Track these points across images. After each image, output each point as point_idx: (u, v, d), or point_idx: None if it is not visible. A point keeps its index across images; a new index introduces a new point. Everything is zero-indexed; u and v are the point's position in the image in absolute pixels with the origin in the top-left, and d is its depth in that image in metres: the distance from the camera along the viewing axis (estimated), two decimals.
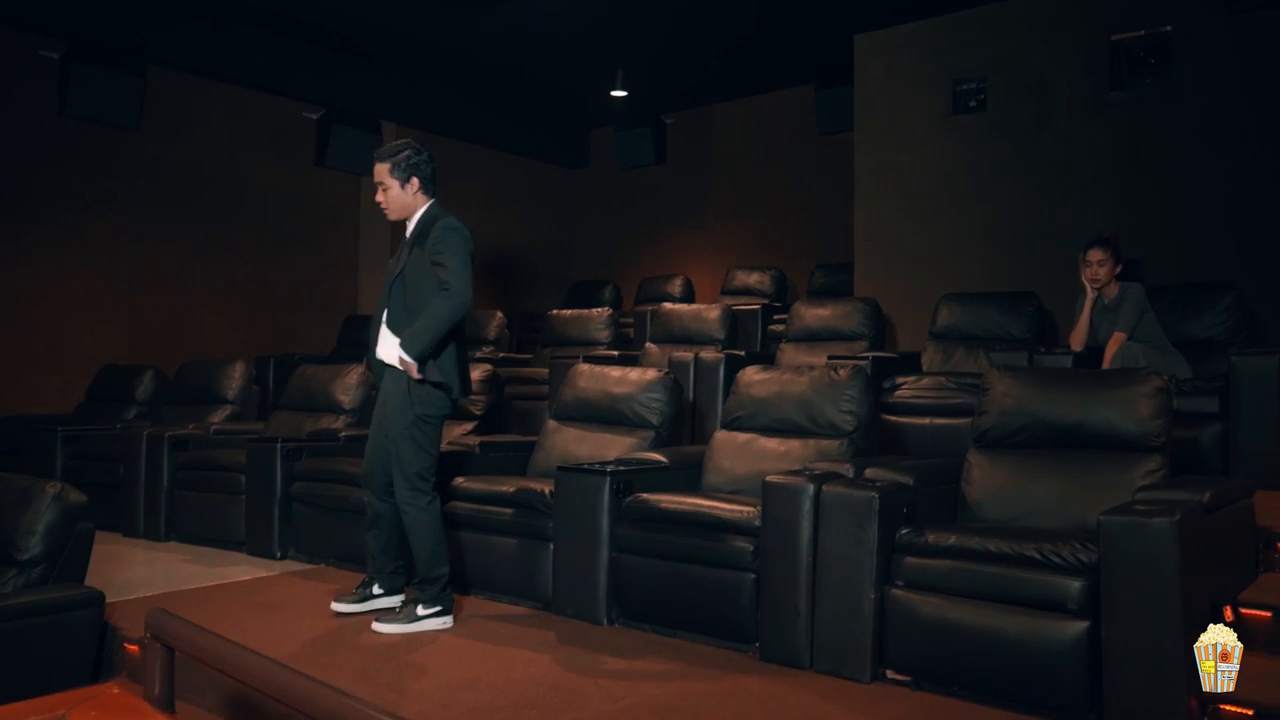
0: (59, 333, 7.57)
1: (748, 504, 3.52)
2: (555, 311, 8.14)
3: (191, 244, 8.36)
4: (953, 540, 3.04)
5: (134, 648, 3.77)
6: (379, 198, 3.97)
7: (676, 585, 3.65)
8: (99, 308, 7.79)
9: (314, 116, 8.92)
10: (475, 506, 4.36)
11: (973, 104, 6.77)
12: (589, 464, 4.07)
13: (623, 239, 11.00)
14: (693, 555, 3.61)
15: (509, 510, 4.24)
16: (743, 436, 4.23)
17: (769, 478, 3.39)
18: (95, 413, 7.13)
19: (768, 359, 6.49)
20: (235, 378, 6.78)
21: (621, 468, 3.97)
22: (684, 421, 4.83)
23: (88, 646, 3.73)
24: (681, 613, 3.63)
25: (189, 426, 6.05)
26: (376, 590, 4.01)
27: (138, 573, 4.82)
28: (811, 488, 3.25)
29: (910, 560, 3.11)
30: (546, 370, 6.70)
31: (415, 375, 3.77)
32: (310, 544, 5.09)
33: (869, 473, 3.41)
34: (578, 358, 7.13)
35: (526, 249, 10.89)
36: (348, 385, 6.04)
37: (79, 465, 6.25)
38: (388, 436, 3.86)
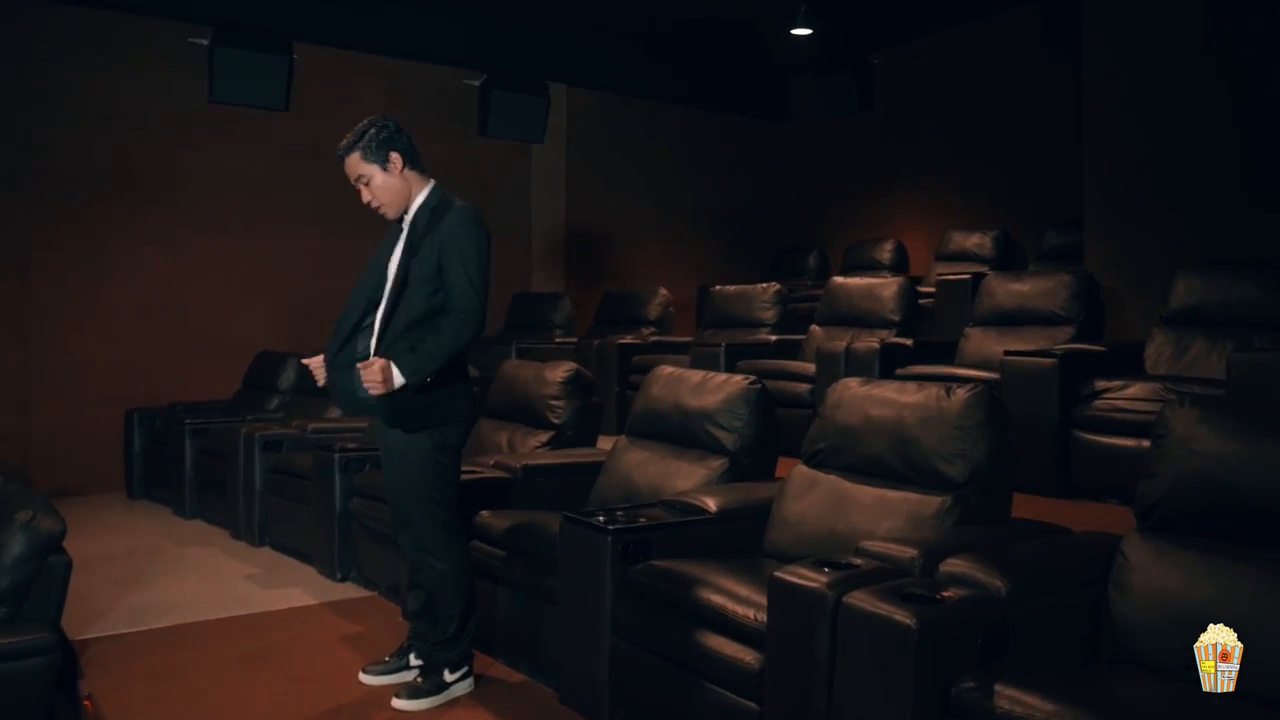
0: (218, 317, 7.54)
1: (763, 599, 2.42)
2: (717, 287, 7.11)
3: (350, 224, 8.05)
4: (1051, 710, 1.81)
5: (88, 703, 3.29)
6: (365, 198, 3.17)
7: (684, 700, 2.62)
8: (256, 291, 7.70)
9: (475, 83, 8.37)
10: (491, 549, 3.53)
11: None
12: (602, 510, 3.10)
13: (829, 199, 9.71)
14: (695, 662, 2.57)
15: (515, 556, 3.37)
16: (824, 478, 3.08)
17: (778, 573, 2.28)
18: (246, 401, 7.01)
19: (946, 350, 5.16)
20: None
21: (636, 521, 2.97)
22: (776, 443, 3.71)
23: (34, 701, 3.29)
24: None
25: (294, 424, 5.67)
26: (414, 660, 3.31)
27: (181, 591, 4.42)
28: (829, 596, 2.11)
29: None
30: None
31: (391, 386, 2.95)
32: (368, 568, 4.49)
33: (948, 566, 2.20)
34: (734, 342, 6.16)
35: (724, 214, 9.89)
36: None
37: (204, 460, 6.08)
38: (402, 476, 3.12)
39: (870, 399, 3.05)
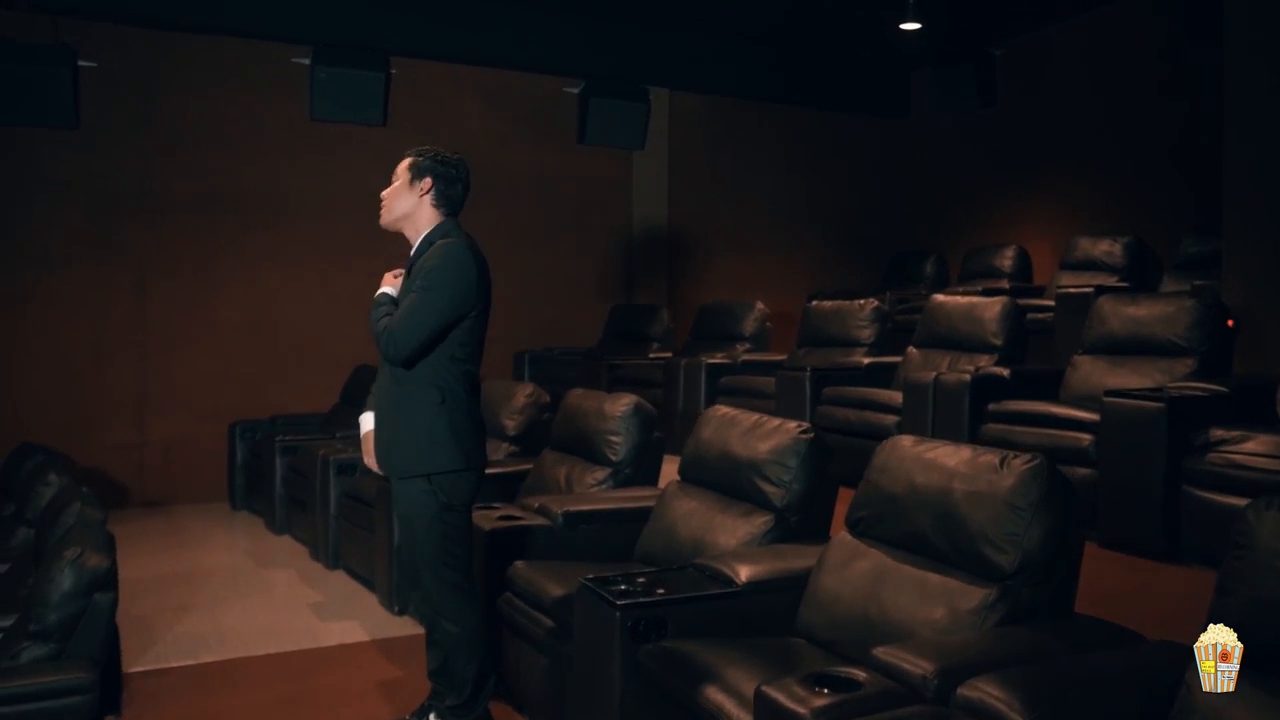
0: (322, 332, 7.66)
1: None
2: (814, 303, 6.75)
3: None
4: None
5: None
6: (383, 193, 3.13)
7: None
8: (357, 305, 7.72)
9: (573, 91, 8.23)
10: (520, 604, 3.35)
11: None
12: (623, 577, 2.86)
13: (948, 202, 9.15)
14: None
15: (545, 619, 3.18)
16: (866, 550, 2.75)
17: (765, 688, 1.99)
18: (341, 417, 7.09)
19: (1049, 382, 4.69)
20: None
21: (653, 593, 2.72)
22: (830, 499, 3.39)
23: None
24: None
25: None
26: None
27: (240, 620, 4.43)
28: None
29: None
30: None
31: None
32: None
33: (967, 690, 1.87)
34: (823, 365, 5.82)
35: (835, 219, 9.46)
36: (514, 407, 5.26)
37: (292, 477, 6.15)
38: (409, 536, 3.01)
39: (919, 463, 2.70)
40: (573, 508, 3.74)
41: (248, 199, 7.42)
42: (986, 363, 4.99)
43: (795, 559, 2.96)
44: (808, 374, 5.50)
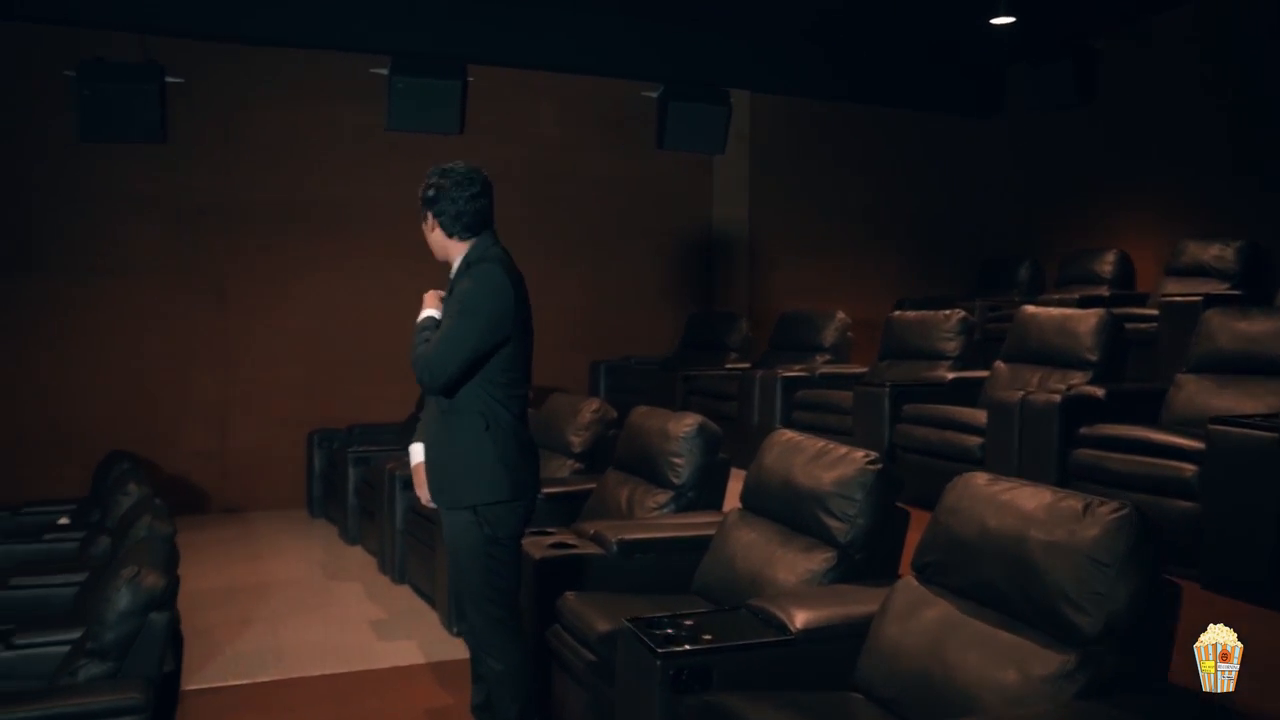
0: (397, 340, 7.61)
1: None
2: (896, 314, 6.45)
3: (526, 243, 8.01)
4: None
5: None
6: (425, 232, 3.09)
7: None
8: None
9: (652, 95, 8.07)
10: (568, 638, 3.21)
11: None
12: (670, 620, 2.68)
13: (1044, 204, 8.71)
14: None
15: (590, 656, 3.03)
16: (932, 598, 2.52)
17: None
18: (415, 427, 7.08)
19: (1150, 403, 4.35)
20: None
21: (700, 639, 2.54)
22: (899, 535, 3.15)
23: None
24: None
25: None
26: None
27: (300, 637, 4.41)
28: None
29: None
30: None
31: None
32: None
33: None
34: (903, 381, 5.55)
35: (923, 223, 9.12)
36: (579, 424, 5.13)
37: (364, 488, 6.15)
38: (455, 568, 2.93)
39: (992, 504, 2.46)
40: (628, 536, 3.58)
41: (326, 209, 7.48)
42: (1080, 380, 4.66)
43: (856, 603, 2.75)
44: (886, 390, 5.23)
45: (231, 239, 7.24)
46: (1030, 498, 2.41)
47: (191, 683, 3.81)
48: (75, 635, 3.79)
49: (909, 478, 5.04)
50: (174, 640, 4.44)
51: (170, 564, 3.82)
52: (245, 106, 7.23)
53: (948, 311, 6.01)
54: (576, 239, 8.20)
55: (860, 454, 3.16)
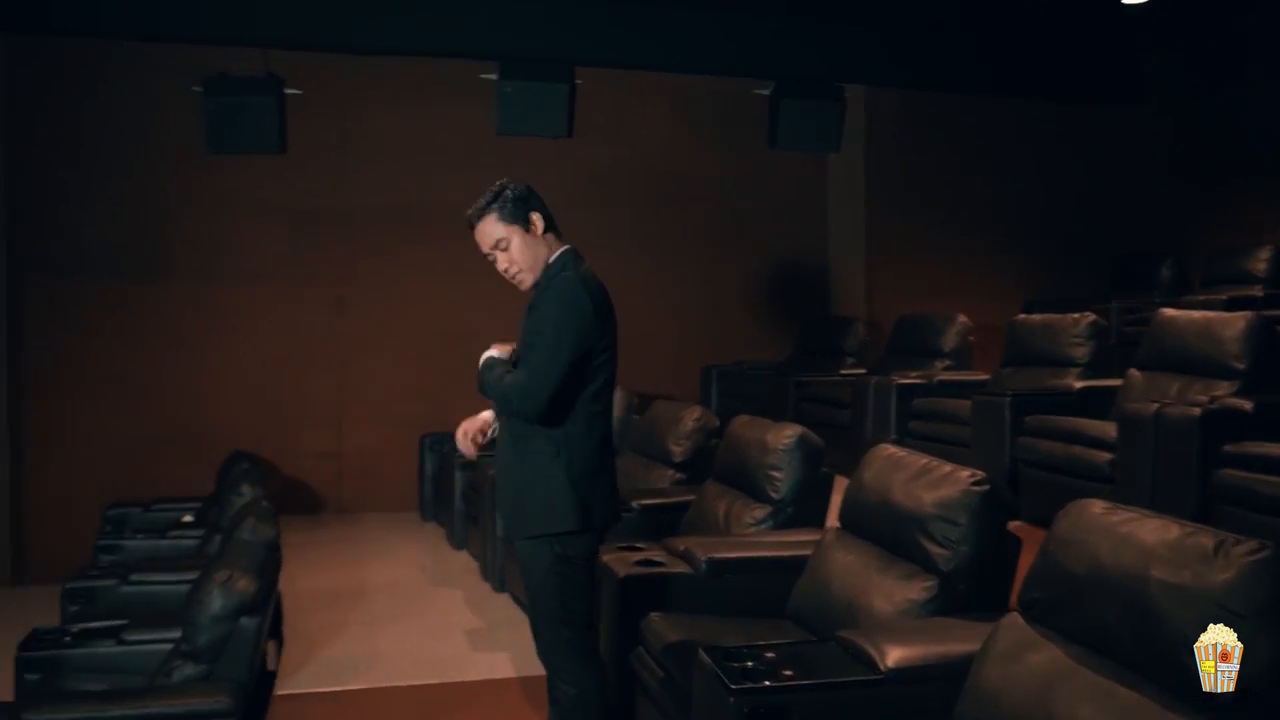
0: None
1: None
2: (1020, 317, 6.07)
3: (634, 246, 7.96)
4: None
5: None
6: (502, 265, 2.85)
7: None
8: None
9: (763, 93, 7.85)
10: (652, 663, 3.07)
11: None
12: (749, 652, 2.50)
13: (1186, 197, 8.10)
14: None
15: (669, 680, 2.88)
16: (1039, 640, 2.26)
17: None
18: None
19: None
20: (614, 406, 6.13)
21: (781, 674, 2.36)
22: (1009, 563, 2.89)
23: None
24: None
25: None
26: None
27: (395, 644, 4.43)
28: None
29: None
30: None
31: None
32: None
33: None
34: (1026, 390, 5.20)
35: (1052, 219, 8.63)
36: (681, 432, 4.98)
37: (470, 493, 6.16)
38: (528, 589, 2.83)
39: (1110, 537, 2.19)
40: (718, 554, 3.41)
41: (438, 214, 7.55)
42: (1225, 391, 4.24)
43: (956, 640, 2.51)
44: (1007, 399, 4.90)
45: (348, 245, 7.40)
46: (1153, 531, 2.13)
47: (283, 687, 3.85)
48: (178, 634, 3.87)
49: (1031, 495, 4.76)
50: (274, 642, 4.52)
51: (265, 569, 3.87)
52: (359, 115, 7.39)
53: (1077, 315, 5.60)
54: (687, 241, 8.07)
55: (966, 473, 2.91)
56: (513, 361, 2.81)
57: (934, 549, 2.83)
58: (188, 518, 6.24)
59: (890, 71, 7.95)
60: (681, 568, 3.40)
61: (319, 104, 7.21)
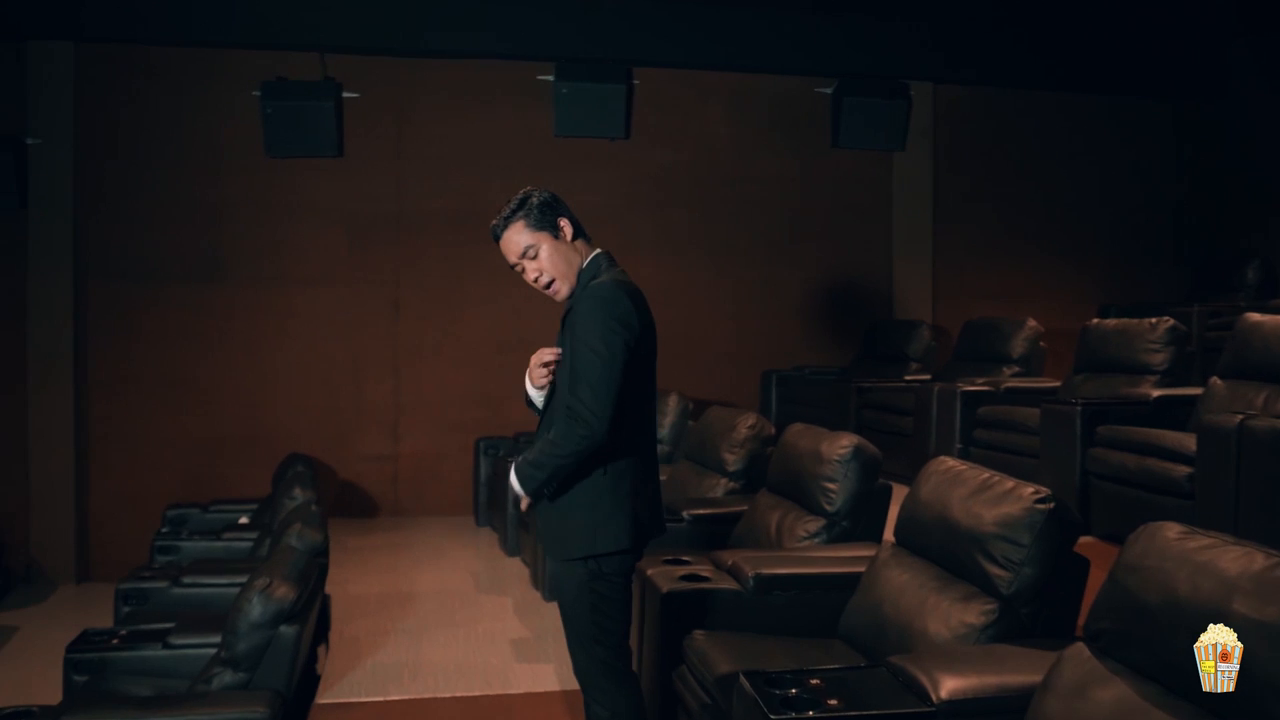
0: None
1: None
2: (1094, 321, 5.79)
3: (695, 248, 7.83)
4: None
5: None
6: (531, 275, 2.72)
7: None
8: None
9: (825, 91, 7.67)
10: (693, 683, 2.93)
11: None
12: (791, 677, 2.36)
13: (1273, 194, 7.68)
14: None
15: (710, 704, 2.74)
16: (1106, 675, 2.07)
17: None
18: None
19: None
20: (669, 412, 6.02)
21: (825, 704, 2.21)
22: (1076, 587, 2.69)
23: None
24: None
25: None
26: None
27: (439, 653, 4.34)
28: None
29: None
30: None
31: (523, 506, 2.66)
32: None
33: None
34: (1098, 399, 4.95)
35: (1129, 218, 8.29)
36: (734, 440, 4.84)
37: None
38: (560, 606, 2.73)
39: (1186, 565, 2.00)
40: (767, 570, 3.27)
41: (491, 216, 7.52)
42: None
43: (1016, 670, 2.34)
44: (1078, 408, 4.65)
45: (404, 247, 7.40)
46: (1235, 560, 1.94)
47: (325, 695, 3.80)
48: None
49: (1103, 510, 4.51)
50: (323, 646, 4.48)
51: (307, 576, 3.82)
52: (416, 117, 7.38)
53: (1154, 320, 5.31)
54: (747, 243, 7.91)
55: (1029, 490, 2.72)
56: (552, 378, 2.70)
57: (994, 570, 2.66)
58: (243, 520, 6.29)
59: (957, 66, 7.71)
60: (728, 583, 3.27)
61: (376, 107, 7.22)
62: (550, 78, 7.20)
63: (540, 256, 2.68)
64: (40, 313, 6.93)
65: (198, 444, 7.16)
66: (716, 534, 4.22)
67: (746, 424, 4.84)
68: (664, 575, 3.27)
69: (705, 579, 3.29)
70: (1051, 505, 2.64)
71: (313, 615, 3.97)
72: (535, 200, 2.69)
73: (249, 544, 5.76)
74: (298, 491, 5.51)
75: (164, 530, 6.13)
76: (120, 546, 6.76)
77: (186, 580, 4.90)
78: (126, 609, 4.80)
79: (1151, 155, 8.30)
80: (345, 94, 6.93)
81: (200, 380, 7.18)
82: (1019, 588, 2.61)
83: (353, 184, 7.29)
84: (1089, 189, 8.26)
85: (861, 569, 3.21)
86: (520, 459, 2.64)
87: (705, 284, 7.84)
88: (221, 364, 7.20)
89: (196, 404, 7.17)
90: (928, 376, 6.75)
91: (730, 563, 3.40)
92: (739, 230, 7.90)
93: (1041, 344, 6.46)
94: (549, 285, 2.71)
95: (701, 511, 4.38)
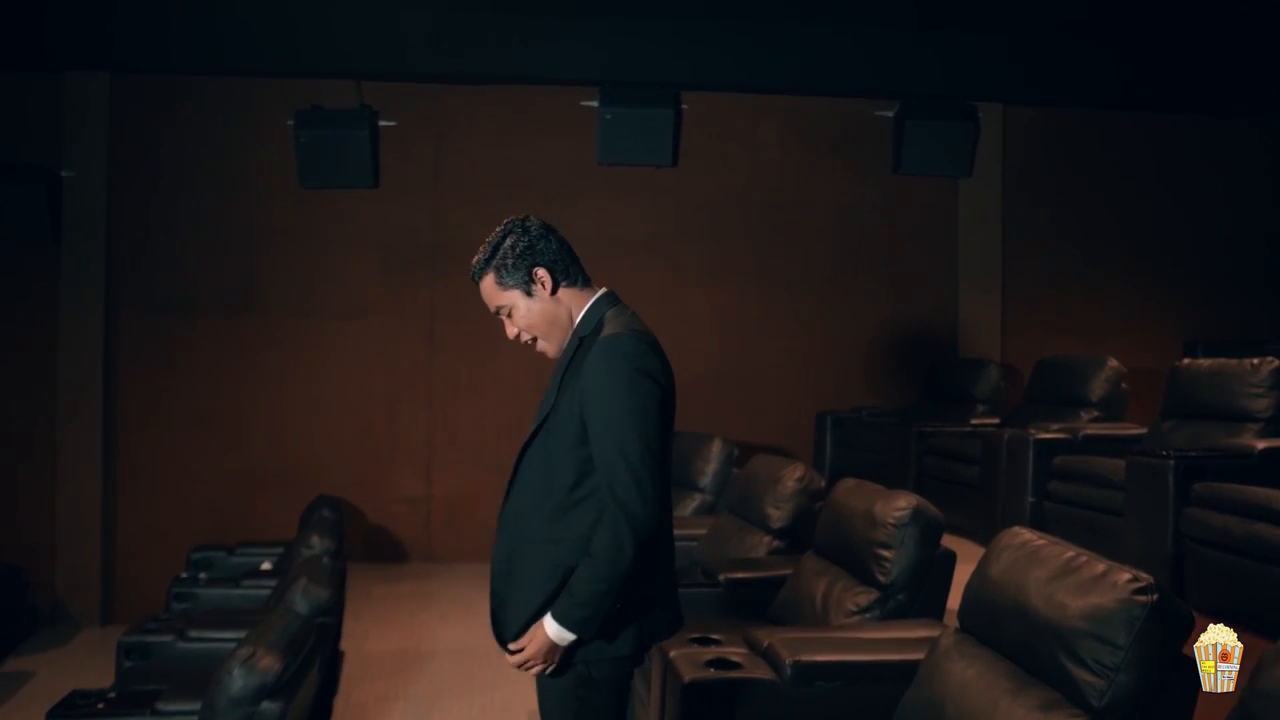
0: None
1: None
2: (1185, 362, 5.24)
3: (746, 280, 7.43)
4: None
5: None
6: (510, 333, 2.36)
7: None
8: None
9: (886, 114, 7.22)
10: None
11: None
12: None
13: None
14: None
15: None
16: None
17: None
18: None
19: None
20: (711, 459, 5.60)
21: None
22: (1187, 699, 2.20)
23: None
24: None
25: None
26: None
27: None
28: None
29: None
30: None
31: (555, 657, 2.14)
32: None
33: None
34: (1193, 452, 4.40)
35: (1226, 246, 7.72)
36: (780, 494, 4.39)
37: None
38: (541, 704, 2.29)
39: None
40: (807, 656, 2.81)
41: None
42: None
43: None
44: (1172, 462, 4.11)
45: (441, 279, 7.10)
46: None
47: None
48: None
49: (1204, 581, 3.96)
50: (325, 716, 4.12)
51: (299, 643, 3.47)
52: (454, 145, 7.14)
53: (1256, 360, 4.74)
54: (802, 275, 7.49)
55: (1125, 576, 2.24)
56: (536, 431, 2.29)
57: (1082, 675, 2.18)
58: (266, 565, 6.01)
59: (1028, 87, 7.20)
60: (763, 671, 2.82)
61: (414, 134, 6.98)
62: (594, 103, 6.87)
63: (515, 316, 2.31)
64: (70, 344, 6.79)
65: (228, 480, 6.93)
66: (756, 601, 3.79)
67: (794, 476, 4.40)
68: (688, 659, 2.83)
69: (736, 665, 2.85)
70: (1155, 597, 2.16)
71: (306, 685, 3.63)
72: (510, 246, 2.28)
73: (267, 591, 5.47)
74: (315, 540, 5.21)
75: (183, 575, 5.88)
76: (147, 586, 6.52)
77: (192, 634, 4.64)
78: (128, 664, 4.55)
79: (1241, 178, 7.71)
80: (382, 121, 6.67)
81: (231, 414, 6.96)
82: (1113, 699, 2.13)
83: (389, 212, 7.04)
84: (1172, 215, 7.69)
85: (919, 656, 2.74)
86: (557, 604, 2.10)
87: (756, 318, 7.42)
88: (253, 398, 6.98)
89: (227, 439, 6.95)
90: (996, 421, 6.24)
91: (766, 644, 2.95)
92: (792, 261, 7.48)
93: (1123, 385, 5.91)
94: (533, 343, 2.33)
95: (740, 575, 3.95)
